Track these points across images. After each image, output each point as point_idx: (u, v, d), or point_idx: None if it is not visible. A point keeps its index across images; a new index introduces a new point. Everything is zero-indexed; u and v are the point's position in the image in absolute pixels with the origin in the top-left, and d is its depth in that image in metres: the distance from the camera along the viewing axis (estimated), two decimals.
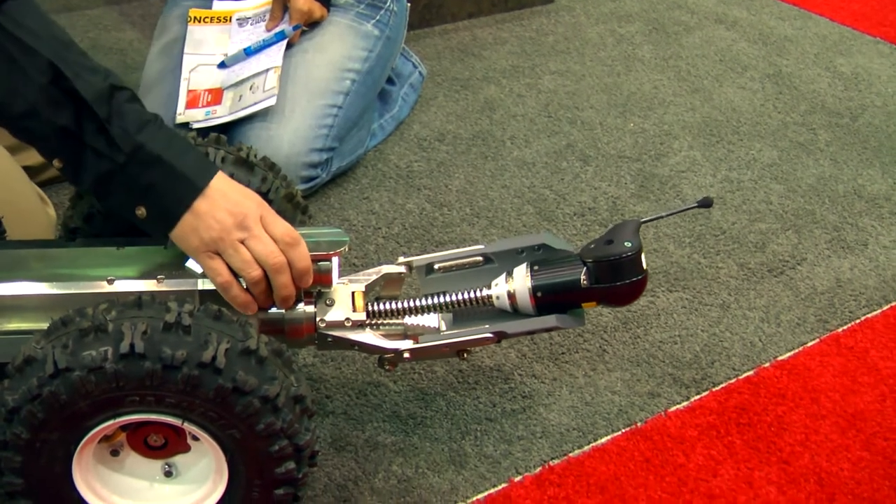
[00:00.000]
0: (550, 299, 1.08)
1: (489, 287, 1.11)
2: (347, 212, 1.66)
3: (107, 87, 0.99)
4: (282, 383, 0.97)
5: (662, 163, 1.80)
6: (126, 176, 0.99)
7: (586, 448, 1.26)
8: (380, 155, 1.79)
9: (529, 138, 1.85)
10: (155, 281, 1.05)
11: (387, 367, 1.12)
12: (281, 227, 1.04)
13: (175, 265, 1.07)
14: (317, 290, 1.11)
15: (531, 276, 1.08)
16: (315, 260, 1.06)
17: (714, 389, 1.36)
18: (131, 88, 1.03)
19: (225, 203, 1.01)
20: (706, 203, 1.10)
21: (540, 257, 1.11)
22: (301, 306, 1.09)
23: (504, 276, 1.11)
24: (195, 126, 1.62)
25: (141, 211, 1.01)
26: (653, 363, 1.39)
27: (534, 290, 1.08)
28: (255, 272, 1.02)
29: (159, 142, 1.00)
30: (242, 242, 1.02)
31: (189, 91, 1.68)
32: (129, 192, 1.01)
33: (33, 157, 1.51)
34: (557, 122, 1.90)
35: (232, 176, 1.13)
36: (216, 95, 1.66)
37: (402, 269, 1.15)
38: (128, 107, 1.00)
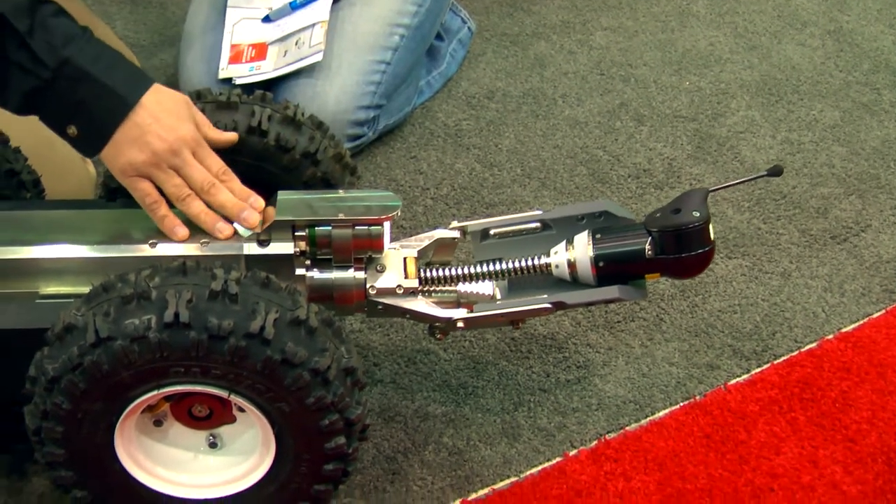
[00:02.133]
0: (612, 269, 1.06)
1: (548, 255, 1.09)
2: (394, 171, 1.64)
3: (27, 1, 0.98)
4: (333, 355, 0.95)
5: (720, 123, 1.76)
6: (54, 92, 0.98)
7: (643, 422, 1.25)
8: (427, 113, 1.77)
9: (581, 97, 1.82)
10: (198, 245, 1.04)
11: (437, 336, 1.11)
12: (215, 162, 1.03)
13: None
14: (367, 255, 1.09)
15: (593, 244, 1.07)
16: (366, 224, 1.05)
17: (775, 362, 1.33)
18: (58, 4, 1.01)
19: (158, 127, 1.00)
20: (776, 171, 1.08)
21: (601, 225, 1.09)
22: (351, 271, 1.07)
23: (564, 243, 1.09)
24: (238, 82, 1.59)
25: (72, 129, 1.00)
26: (711, 333, 1.37)
27: (595, 260, 1.06)
28: (187, 192, 1.02)
29: (87, 56, 0.98)
30: (174, 170, 1.02)
31: (232, 46, 1.65)
32: (58, 110, 0.99)
33: None
34: (610, 80, 1.86)
35: (278, 136, 1.11)
36: (260, 51, 1.63)
37: (456, 234, 1.14)
38: (53, 20, 0.99)
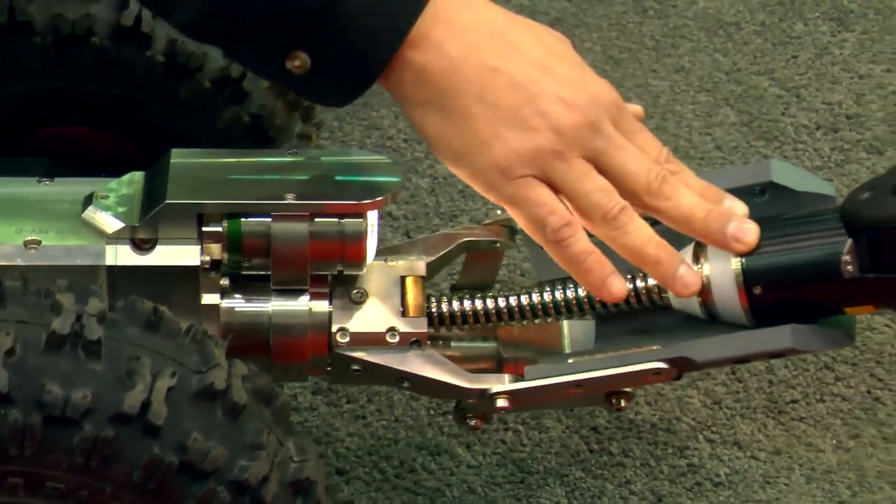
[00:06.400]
0: (781, 296, 0.85)
1: None
2: (378, 112, 1.34)
3: None
4: (272, 456, 0.79)
5: None
6: None
7: None
8: None
9: None
10: (24, 245, 0.88)
11: (471, 423, 0.90)
12: (649, 140, 0.83)
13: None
14: (334, 271, 0.88)
15: None
16: (335, 213, 0.86)
17: None
18: None
19: (550, 81, 0.79)
20: None
21: (761, 211, 0.88)
22: (304, 300, 0.89)
23: (691, 248, 0.87)
24: None
25: (299, 61, 0.78)
26: None
27: (748, 279, 0.84)
28: (619, 204, 0.81)
29: None
30: (591, 159, 0.81)
31: None
32: (269, 26, 0.78)
33: None
34: None
35: (171, 46, 0.97)
36: None
37: (499, 232, 0.94)
38: None
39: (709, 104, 1.34)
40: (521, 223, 0.83)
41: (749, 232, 0.83)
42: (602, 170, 0.80)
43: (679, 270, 0.82)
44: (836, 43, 1.40)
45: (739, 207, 0.85)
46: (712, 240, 0.84)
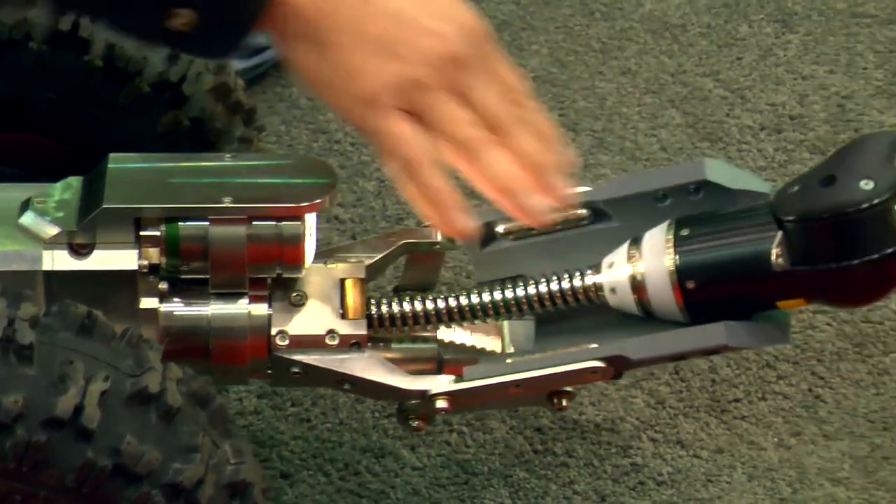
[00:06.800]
0: (714, 293, 0.86)
1: (597, 269, 0.90)
2: (325, 116, 1.33)
3: None
4: (208, 459, 0.79)
5: None
6: None
7: None
8: None
9: None
10: None
11: (413, 425, 0.91)
12: (510, 73, 0.85)
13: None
14: (273, 274, 0.89)
15: (676, 245, 0.87)
16: (274, 216, 0.87)
17: None
18: None
19: (417, 8, 0.82)
20: None
21: (696, 209, 0.89)
22: (244, 304, 0.89)
23: (626, 246, 0.88)
24: None
25: (184, 18, 0.78)
26: None
27: (681, 275, 0.85)
28: (478, 134, 0.83)
29: None
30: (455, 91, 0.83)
31: None
32: None
33: None
34: None
35: (109, 51, 0.97)
36: None
37: (439, 234, 0.94)
38: None
39: (654, 106, 1.36)
40: (381, 154, 0.84)
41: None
42: (465, 102, 0.81)
43: (532, 200, 0.84)
44: (780, 44, 1.42)
45: (567, 161, 0.87)
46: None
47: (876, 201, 0.80)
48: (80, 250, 0.86)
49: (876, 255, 0.82)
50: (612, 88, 1.39)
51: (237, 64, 1.31)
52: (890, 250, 0.82)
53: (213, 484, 0.77)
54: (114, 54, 0.95)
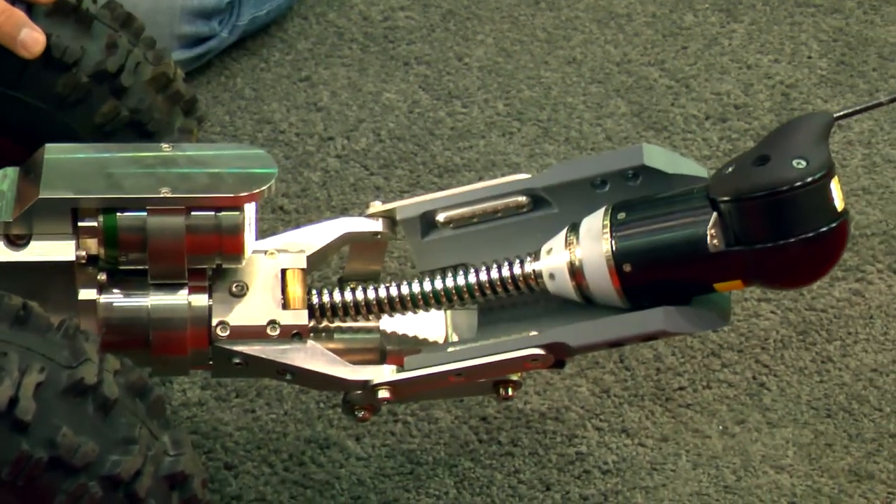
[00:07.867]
0: (651, 276, 0.86)
1: (536, 256, 0.89)
2: (269, 107, 1.31)
3: None
4: (146, 451, 0.79)
5: (874, 22, 1.43)
6: None
7: None
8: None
9: None
10: None
11: (358, 415, 0.91)
12: None
13: None
14: (213, 264, 0.89)
15: (612, 230, 0.87)
16: (213, 206, 0.87)
17: None
18: None
19: None
20: None
21: (635, 194, 0.89)
22: (183, 294, 0.89)
23: (564, 232, 0.88)
24: None
25: None
26: (857, 413, 1.10)
27: (618, 259, 0.86)
28: None
29: None
30: None
31: None
32: None
33: None
34: None
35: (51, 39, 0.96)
36: None
37: (380, 223, 0.94)
38: None
39: (600, 95, 1.35)
40: None
41: (37, 41, 0.93)
42: None
43: (21, 33, 0.91)
44: (725, 34, 1.42)
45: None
46: (4, 41, 0.92)
47: (809, 179, 0.79)
48: (16, 241, 0.86)
49: (811, 234, 0.81)
50: (557, 78, 1.39)
51: (180, 54, 1.31)
52: (825, 228, 0.81)
53: (152, 476, 0.77)
54: (51, 45, 0.94)
